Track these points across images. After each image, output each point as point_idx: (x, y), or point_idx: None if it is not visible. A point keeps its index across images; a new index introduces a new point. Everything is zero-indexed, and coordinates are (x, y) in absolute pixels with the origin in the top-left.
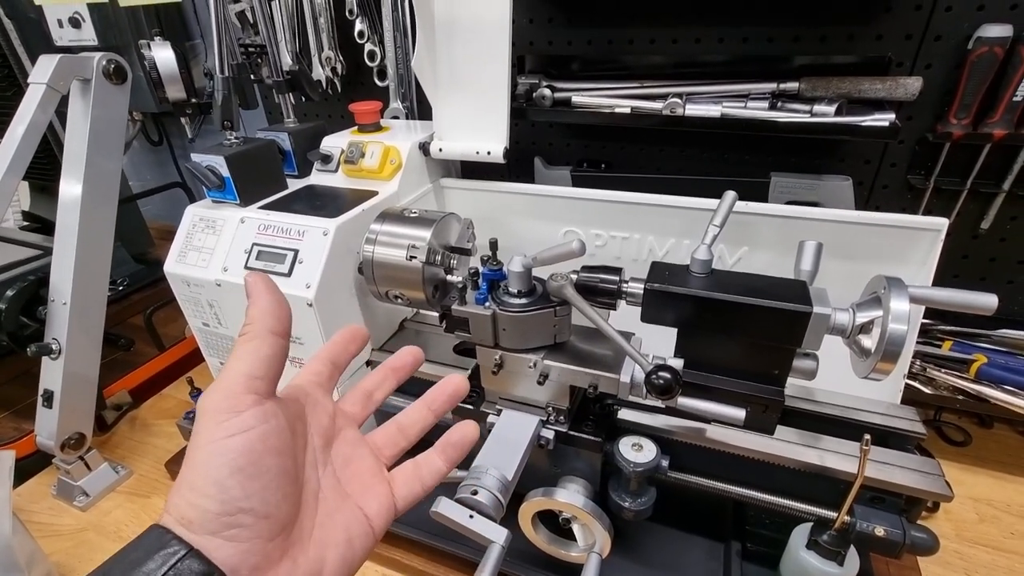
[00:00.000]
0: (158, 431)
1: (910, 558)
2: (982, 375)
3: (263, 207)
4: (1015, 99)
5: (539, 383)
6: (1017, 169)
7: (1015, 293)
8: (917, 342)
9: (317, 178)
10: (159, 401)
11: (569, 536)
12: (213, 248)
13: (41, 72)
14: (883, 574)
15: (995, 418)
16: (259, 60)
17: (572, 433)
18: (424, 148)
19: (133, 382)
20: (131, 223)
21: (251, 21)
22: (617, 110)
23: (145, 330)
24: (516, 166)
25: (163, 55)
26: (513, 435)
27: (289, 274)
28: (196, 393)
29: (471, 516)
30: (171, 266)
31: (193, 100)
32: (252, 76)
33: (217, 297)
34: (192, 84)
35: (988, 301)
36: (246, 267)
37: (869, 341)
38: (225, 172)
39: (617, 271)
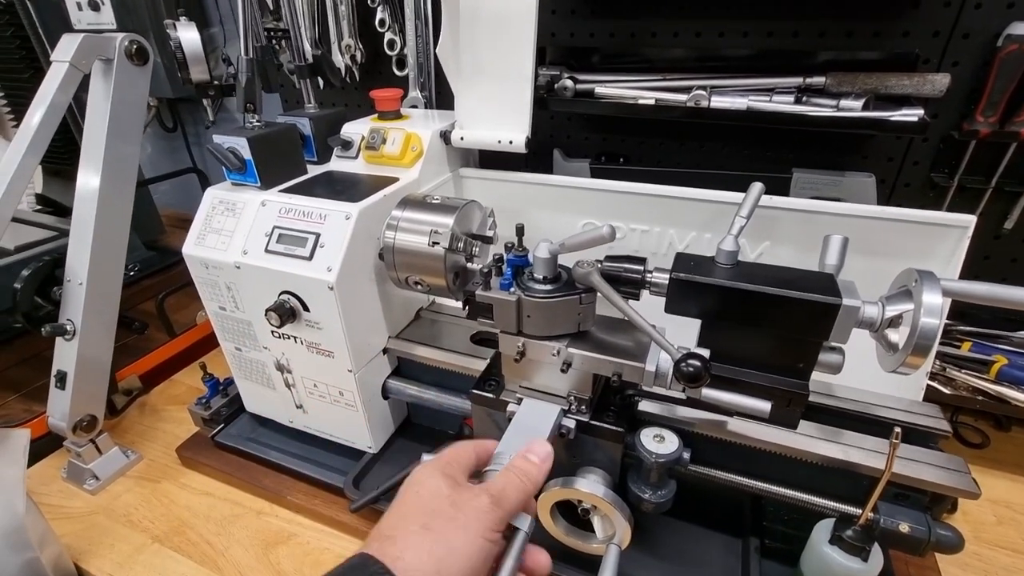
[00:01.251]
0: (168, 416)
1: (930, 557)
2: (1003, 376)
3: (284, 191)
4: None
5: (562, 371)
6: None
7: None
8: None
9: (337, 164)
10: (169, 387)
11: (587, 528)
12: (233, 231)
13: (64, 51)
14: (902, 573)
15: (1013, 420)
16: (280, 45)
17: (594, 423)
18: (445, 136)
19: (144, 367)
20: (143, 209)
21: (271, 8)
22: (641, 101)
23: (156, 316)
24: (534, 159)
25: (188, 35)
26: (534, 423)
27: (310, 258)
28: (210, 379)
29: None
30: (190, 248)
31: (215, 82)
32: (275, 61)
33: (235, 280)
34: (210, 69)
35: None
36: (267, 250)
37: (897, 335)
38: (247, 154)
39: (642, 260)
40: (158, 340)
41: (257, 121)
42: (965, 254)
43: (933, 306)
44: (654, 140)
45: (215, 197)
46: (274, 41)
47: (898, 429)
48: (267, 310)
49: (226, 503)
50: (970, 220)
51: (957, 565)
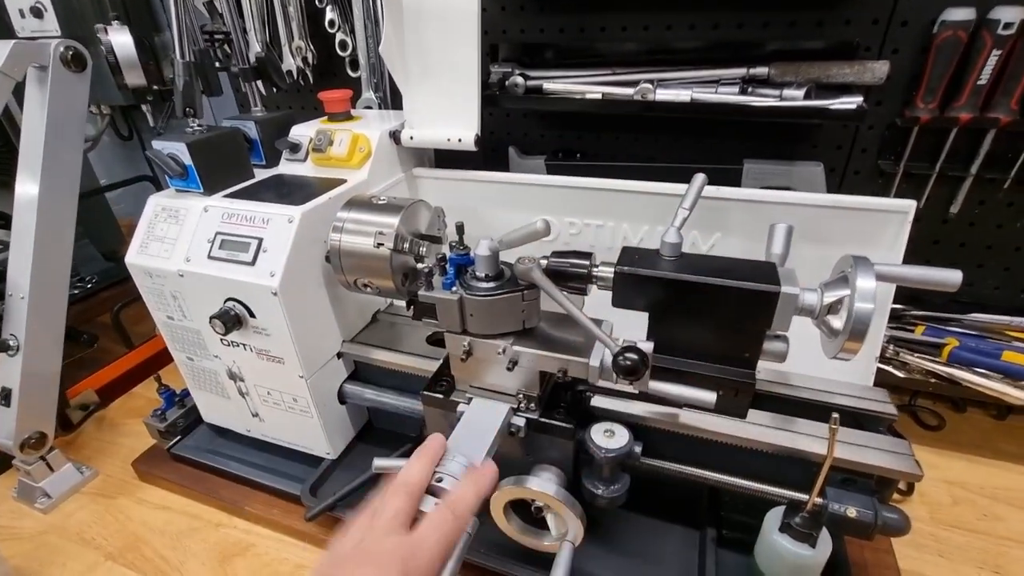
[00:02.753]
0: (127, 430)
1: (884, 541)
2: (954, 358)
3: (228, 196)
4: (979, 83)
5: (508, 369)
6: (984, 153)
7: (985, 277)
8: (890, 327)
9: (285, 167)
10: (128, 400)
11: (542, 525)
12: (176, 238)
13: None
14: (857, 558)
15: (969, 402)
16: (227, 48)
17: (543, 420)
18: (395, 136)
19: (100, 381)
20: (101, 220)
21: (219, 11)
22: (588, 96)
23: (113, 328)
24: (491, 156)
25: (120, 39)
26: (482, 423)
27: (253, 263)
28: (165, 391)
29: (436, 504)
30: (132, 257)
31: (155, 87)
32: (219, 64)
33: (180, 288)
34: (160, 74)
35: (952, 277)
36: (209, 257)
37: (838, 321)
38: (187, 160)
39: (587, 255)
40: (115, 353)
41: (199, 125)
42: (908, 238)
43: (867, 291)
44: (609, 135)
45: (157, 204)
46: (217, 44)
47: (836, 415)
48: (211, 318)
49: (184, 516)
50: (910, 205)
51: (912, 546)
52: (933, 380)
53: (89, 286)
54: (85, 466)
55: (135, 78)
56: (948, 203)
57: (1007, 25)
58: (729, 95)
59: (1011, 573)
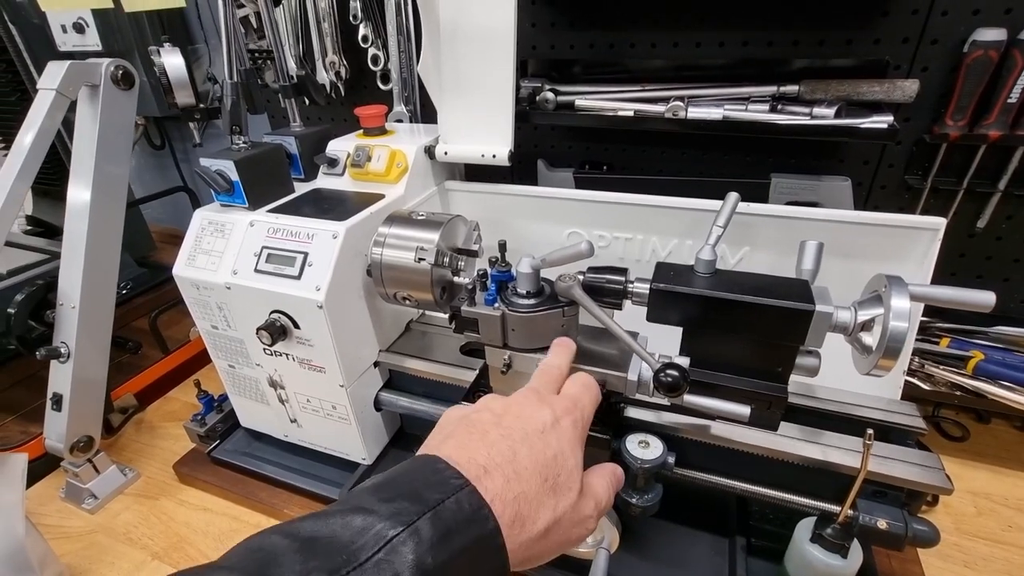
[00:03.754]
0: (164, 433)
1: (911, 551)
2: (979, 371)
3: (271, 210)
4: (1010, 101)
5: None
6: (1012, 169)
7: (1011, 291)
8: (915, 339)
9: (323, 181)
10: (164, 404)
11: None
12: (222, 251)
13: (50, 78)
14: (885, 567)
15: (992, 413)
16: (265, 65)
17: None
18: (430, 151)
19: (138, 385)
20: (134, 227)
21: (255, 26)
22: (620, 113)
23: (149, 333)
24: (519, 169)
25: (173, 61)
26: None
27: (299, 277)
28: (204, 396)
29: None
30: (180, 269)
31: (201, 105)
32: (259, 81)
33: (226, 300)
34: (196, 88)
35: (986, 298)
36: (256, 270)
37: (870, 338)
38: (234, 176)
39: (623, 271)
40: (152, 358)
41: (244, 142)
42: (937, 255)
43: (902, 310)
44: (636, 148)
45: (204, 218)
46: (259, 61)
47: (870, 431)
48: (258, 329)
49: (224, 518)
50: (940, 223)
51: (939, 557)
52: (959, 392)
53: (124, 292)
54: (129, 468)
55: (185, 98)
56: (975, 217)
57: None
58: (759, 112)
59: None
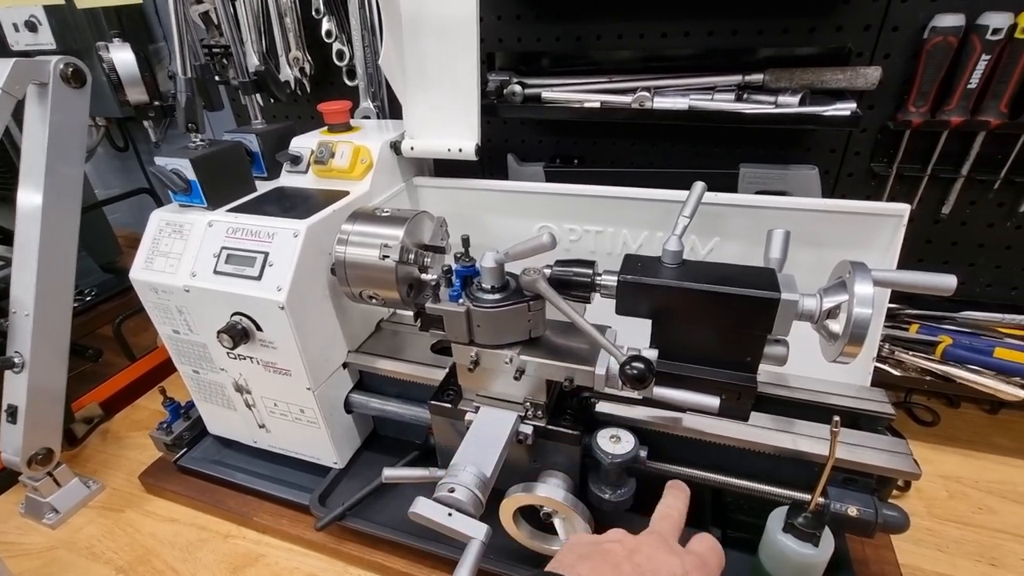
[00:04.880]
0: (131, 443)
1: (883, 537)
2: (948, 356)
3: (231, 210)
4: (969, 86)
5: (515, 379)
6: (974, 155)
7: (976, 275)
8: (885, 326)
9: (287, 179)
10: (132, 412)
11: (551, 531)
12: (181, 253)
13: None
14: (858, 554)
15: (962, 397)
16: (224, 61)
17: (550, 427)
18: (395, 147)
19: (104, 394)
20: (97, 231)
21: (216, 22)
22: (587, 105)
23: (115, 340)
24: (490, 163)
25: (122, 57)
26: (491, 432)
27: (259, 277)
28: (170, 403)
29: (450, 514)
30: (137, 273)
31: (156, 103)
32: (218, 77)
33: (186, 303)
34: (156, 87)
35: (947, 282)
36: (215, 272)
37: (837, 325)
38: (191, 175)
39: (590, 264)
40: (117, 365)
41: (201, 140)
42: (903, 241)
43: (865, 296)
44: (606, 141)
45: (161, 219)
46: (217, 57)
47: (837, 418)
48: (219, 332)
49: (192, 528)
50: (904, 209)
51: (911, 541)
52: (928, 378)
53: (88, 299)
54: (92, 480)
55: (137, 95)
56: (940, 204)
57: (996, 30)
58: (725, 102)
59: (1006, 565)
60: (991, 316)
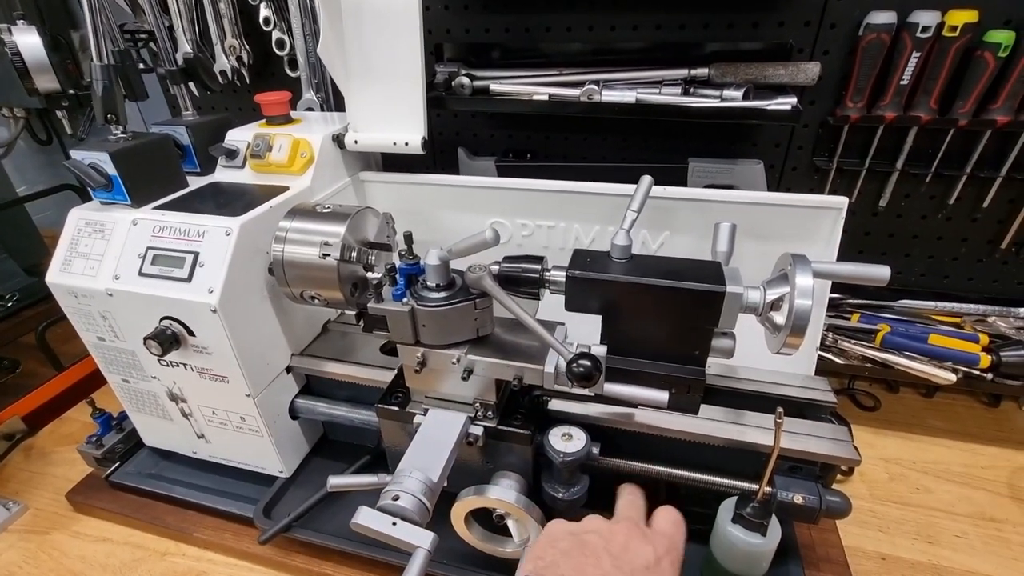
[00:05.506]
0: (58, 459)
1: (828, 521)
2: (887, 343)
3: (158, 207)
4: (902, 83)
5: (464, 379)
6: (907, 149)
7: (912, 265)
8: (828, 315)
9: (222, 175)
10: (60, 426)
11: (505, 532)
12: (102, 254)
13: None
14: (805, 539)
15: (900, 383)
16: (151, 48)
17: (501, 428)
18: (339, 140)
19: (26, 407)
20: (20, 231)
21: (141, 7)
22: (535, 97)
23: (39, 348)
24: (441, 157)
25: (27, 40)
26: (439, 435)
27: (189, 279)
28: (100, 415)
29: (394, 523)
30: (54, 276)
31: (71, 92)
32: (144, 65)
33: (110, 308)
34: (81, 76)
35: (882, 272)
36: (140, 273)
37: (780, 317)
38: (111, 170)
39: (539, 259)
40: (42, 375)
41: (123, 133)
42: (842, 232)
43: (805, 288)
44: (558, 135)
45: (80, 218)
46: (141, 44)
47: (780, 409)
48: (146, 338)
49: (126, 547)
50: (843, 202)
51: (855, 524)
52: (869, 365)
53: (10, 305)
54: (13, 501)
55: (47, 82)
56: (877, 197)
57: (925, 28)
58: (672, 96)
59: (941, 541)
60: (925, 304)
